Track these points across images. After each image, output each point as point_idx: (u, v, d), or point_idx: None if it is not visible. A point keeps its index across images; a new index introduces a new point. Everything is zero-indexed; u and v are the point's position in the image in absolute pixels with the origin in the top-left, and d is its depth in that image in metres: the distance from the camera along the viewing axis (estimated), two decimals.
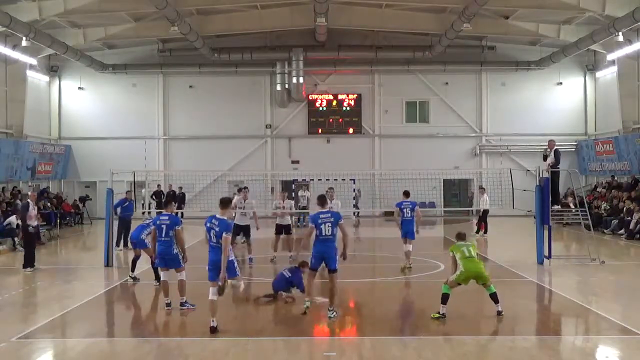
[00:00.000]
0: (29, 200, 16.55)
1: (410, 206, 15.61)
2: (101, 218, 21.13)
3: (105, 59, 32.61)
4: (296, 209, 22.51)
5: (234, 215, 15.76)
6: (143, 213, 21.15)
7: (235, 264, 9.72)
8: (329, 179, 26.01)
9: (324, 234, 10.33)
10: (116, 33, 29.36)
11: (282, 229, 17.03)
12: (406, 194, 15.97)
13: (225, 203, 10.04)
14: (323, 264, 10.54)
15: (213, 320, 9.46)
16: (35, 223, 16.31)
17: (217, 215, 9.71)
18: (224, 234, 9.39)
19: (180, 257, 11.17)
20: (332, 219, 10.40)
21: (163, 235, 11.12)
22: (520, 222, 27.04)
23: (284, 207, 17.22)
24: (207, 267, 9.68)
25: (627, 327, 9.77)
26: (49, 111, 33.62)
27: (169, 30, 26.02)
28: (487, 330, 10.09)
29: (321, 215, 10.46)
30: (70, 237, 25.49)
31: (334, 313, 10.30)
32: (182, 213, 29.84)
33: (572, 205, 22.71)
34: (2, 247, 19.98)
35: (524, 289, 13.41)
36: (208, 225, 9.62)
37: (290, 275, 11.76)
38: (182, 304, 11.12)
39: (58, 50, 28.02)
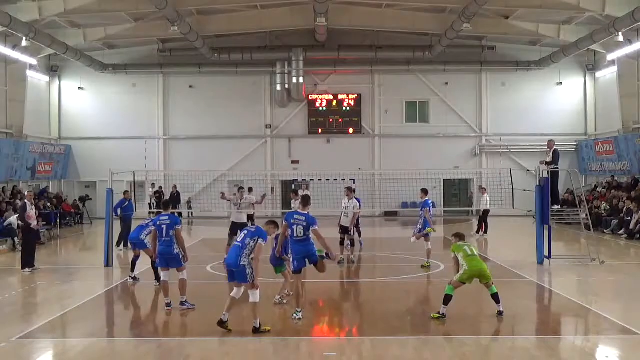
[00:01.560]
0: (25, 200, 16.52)
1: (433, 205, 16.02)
2: (101, 218, 21.12)
3: (105, 59, 32.59)
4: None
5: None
6: (150, 213, 20.79)
7: (248, 270, 9.44)
8: (329, 179, 26.01)
9: (295, 235, 10.30)
10: (116, 33, 29.34)
11: None
12: (427, 192, 16.15)
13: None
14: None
15: (224, 314, 9.53)
16: (34, 223, 16.29)
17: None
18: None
19: (181, 256, 11.20)
20: (304, 223, 10.29)
21: (164, 235, 11.15)
22: (520, 222, 27.04)
23: (293, 208, 17.52)
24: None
25: (627, 327, 9.76)
26: (49, 111, 33.60)
27: (169, 30, 26.02)
28: (487, 330, 10.08)
29: (295, 216, 10.45)
30: (70, 237, 25.49)
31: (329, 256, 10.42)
32: (179, 213, 30.00)
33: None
34: (2, 247, 19.98)
35: (524, 289, 13.40)
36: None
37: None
38: (182, 303, 11.16)
39: (58, 50, 28.01)
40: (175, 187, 30.84)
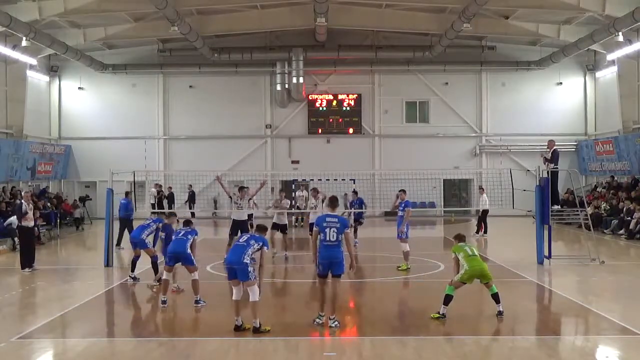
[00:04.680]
0: (22, 200, 16.50)
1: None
2: (101, 218, 21.12)
3: (105, 59, 32.59)
4: (293, 209, 22.87)
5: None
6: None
7: (250, 268, 9.55)
8: (329, 179, 26.01)
9: (327, 239, 9.81)
10: (116, 33, 29.34)
11: (278, 227, 17.49)
12: (405, 192, 16.12)
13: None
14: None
15: (237, 319, 9.60)
16: (31, 224, 16.25)
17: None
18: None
19: (192, 257, 11.61)
20: (338, 225, 9.87)
21: (181, 233, 11.72)
22: (520, 222, 27.02)
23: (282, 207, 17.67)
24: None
25: (627, 327, 9.77)
26: (49, 111, 33.59)
27: (169, 30, 25.99)
28: (487, 330, 10.07)
29: (327, 219, 9.95)
30: (70, 237, 25.48)
31: (336, 322, 9.82)
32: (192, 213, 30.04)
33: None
34: (2, 247, 19.98)
35: (524, 289, 13.41)
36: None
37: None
38: (196, 302, 11.40)
39: (58, 50, 28.00)
40: (190, 186, 30.89)
